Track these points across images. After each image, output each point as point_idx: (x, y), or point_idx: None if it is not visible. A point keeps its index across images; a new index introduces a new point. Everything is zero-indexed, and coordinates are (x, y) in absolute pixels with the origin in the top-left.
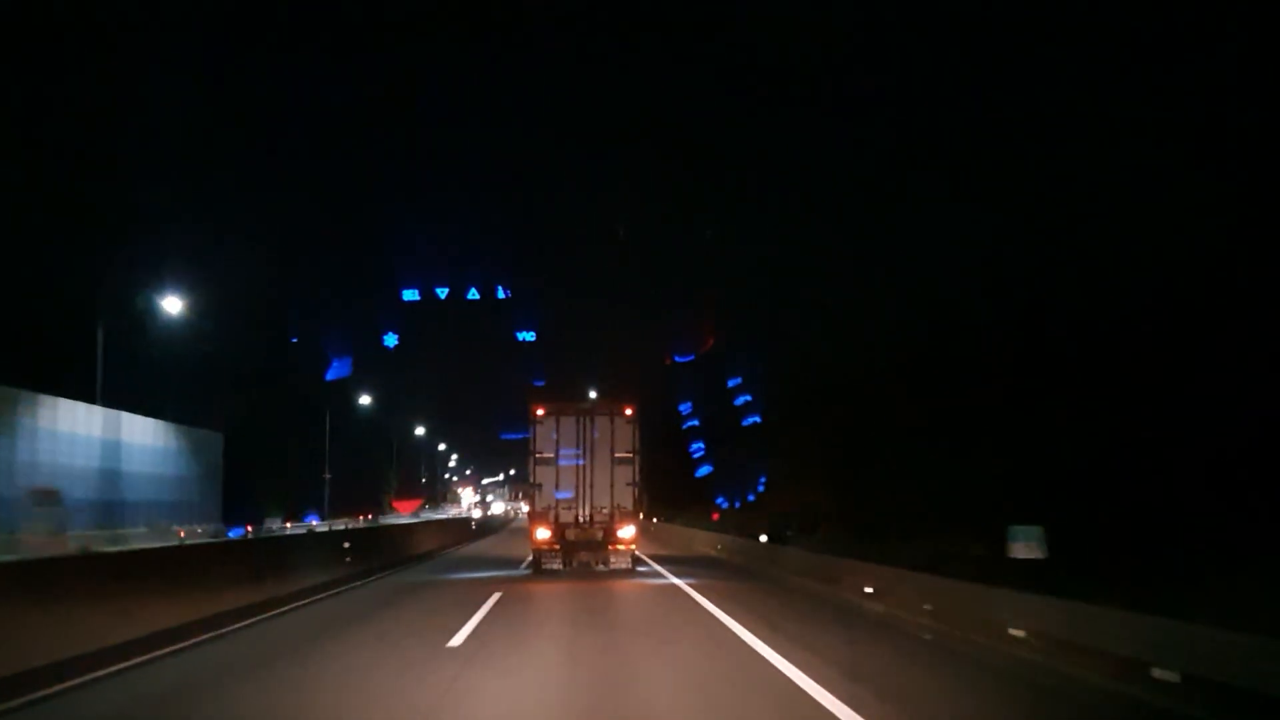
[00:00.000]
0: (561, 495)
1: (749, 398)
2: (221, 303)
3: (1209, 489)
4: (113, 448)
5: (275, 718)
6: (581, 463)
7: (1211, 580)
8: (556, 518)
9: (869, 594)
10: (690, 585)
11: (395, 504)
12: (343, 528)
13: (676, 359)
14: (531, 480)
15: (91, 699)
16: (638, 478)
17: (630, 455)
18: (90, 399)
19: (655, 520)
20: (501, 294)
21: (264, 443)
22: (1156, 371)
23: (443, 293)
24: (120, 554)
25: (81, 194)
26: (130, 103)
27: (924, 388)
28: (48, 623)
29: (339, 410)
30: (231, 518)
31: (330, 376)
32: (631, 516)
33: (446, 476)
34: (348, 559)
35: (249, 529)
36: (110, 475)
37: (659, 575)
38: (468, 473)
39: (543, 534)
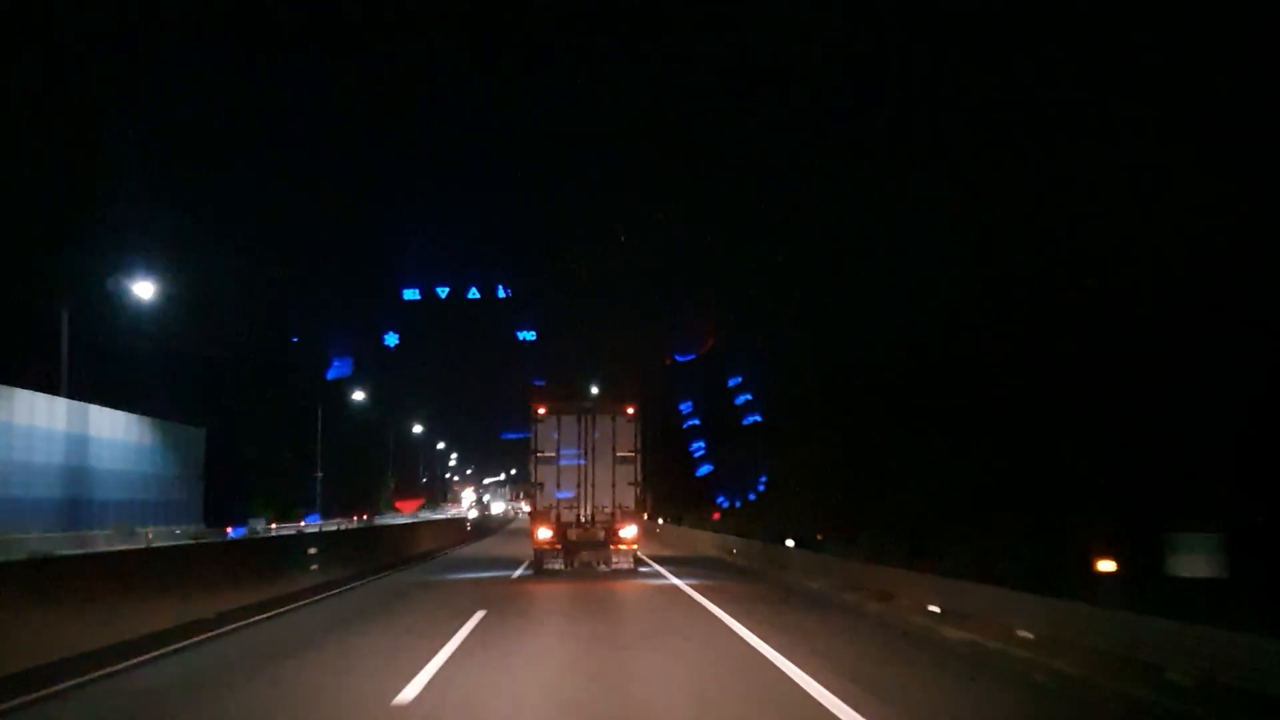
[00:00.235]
0: (563, 495)
1: (749, 397)
2: (214, 300)
3: None
4: (79, 443)
5: None
6: (583, 462)
7: None
8: (558, 517)
9: (936, 614)
10: (728, 612)
11: (397, 503)
12: (335, 528)
13: (677, 358)
14: (533, 480)
15: None
16: (639, 477)
17: (632, 454)
18: (82, 395)
19: (661, 521)
20: (502, 293)
21: (257, 441)
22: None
23: (443, 292)
24: None
25: (75, 186)
26: (130, 102)
27: (928, 383)
28: None
29: (336, 410)
30: (215, 518)
31: (331, 376)
32: (633, 516)
33: (447, 476)
34: (313, 566)
35: (228, 530)
36: (76, 473)
37: (685, 595)
38: (468, 472)
39: (544, 534)
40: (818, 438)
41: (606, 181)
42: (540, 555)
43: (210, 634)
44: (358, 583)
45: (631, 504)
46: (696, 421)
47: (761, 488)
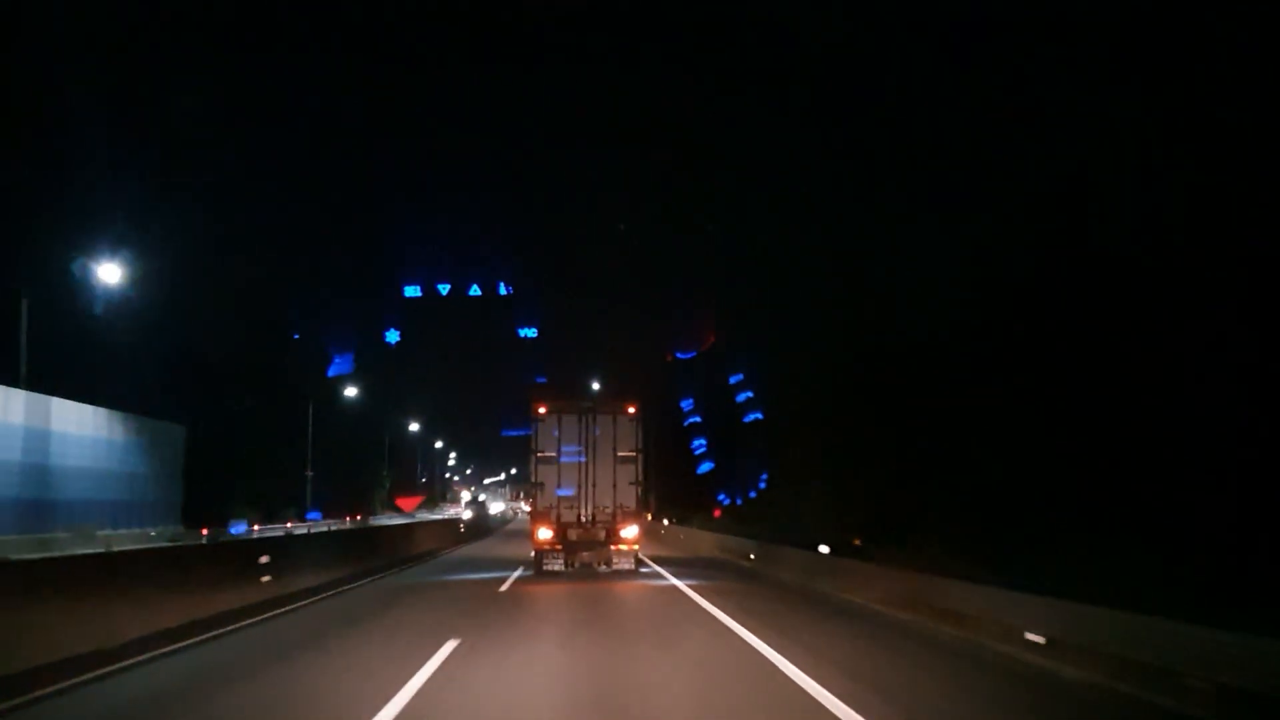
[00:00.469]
0: (563, 493)
1: (750, 394)
2: (204, 295)
3: None
4: (39, 438)
5: None
6: (583, 460)
7: None
8: (558, 517)
9: (1038, 644)
10: (761, 638)
11: (397, 500)
12: (305, 531)
13: (678, 356)
14: (533, 479)
15: None
16: (641, 477)
17: (633, 454)
18: (50, 388)
19: (667, 522)
20: (503, 291)
21: (243, 438)
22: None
23: (445, 289)
24: None
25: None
26: (129, 100)
27: (926, 384)
28: None
29: (330, 407)
30: (196, 518)
31: (332, 373)
32: (635, 516)
33: (447, 475)
34: (264, 577)
35: (204, 532)
36: (36, 471)
37: (715, 619)
38: (468, 471)
39: (544, 534)
40: (819, 437)
41: (607, 181)
42: (540, 556)
43: (94, 674)
44: (327, 594)
45: (633, 504)
46: (697, 419)
47: (763, 484)
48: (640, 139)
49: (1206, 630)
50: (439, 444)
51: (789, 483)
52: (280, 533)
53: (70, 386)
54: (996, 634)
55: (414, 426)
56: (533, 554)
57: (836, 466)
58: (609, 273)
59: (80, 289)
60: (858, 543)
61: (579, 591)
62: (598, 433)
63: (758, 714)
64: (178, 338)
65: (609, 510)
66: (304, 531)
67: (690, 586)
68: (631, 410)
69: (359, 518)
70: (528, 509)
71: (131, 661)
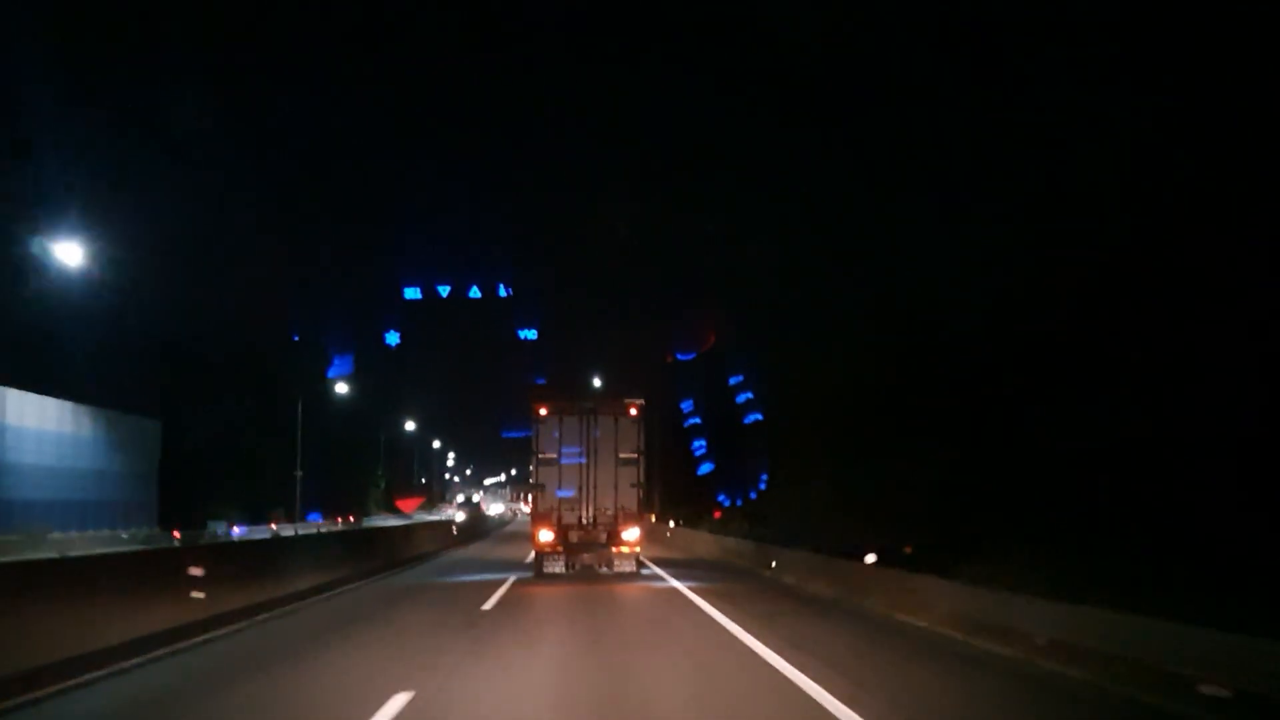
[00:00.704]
0: (564, 495)
1: (750, 395)
2: (192, 289)
3: None
4: None
5: None
6: (584, 462)
7: None
8: (559, 519)
9: (1221, 698)
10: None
11: (397, 502)
12: (315, 532)
13: (678, 357)
14: (533, 480)
15: None
16: (642, 478)
17: (635, 456)
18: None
19: (673, 524)
20: (503, 292)
21: (228, 436)
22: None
23: (444, 291)
24: None
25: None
26: (130, 99)
27: (928, 385)
28: None
29: (323, 406)
30: (174, 519)
31: (332, 374)
32: (636, 518)
33: (446, 476)
34: (197, 593)
35: (175, 535)
36: None
37: (762, 660)
38: (468, 472)
39: (545, 535)
40: (820, 437)
41: (608, 180)
42: (540, 557)
43: None
44: (271, 614)
45: (634, 506)
46: (697, 420)
47: (763, 485)
48: (640, 139)
49: None
50: (436, 444)
51: (791, 483)
52: (266, 535)
53: (40, 381)
54: (1152, 682)
55: (410, 426)
56: (532, 555)
57: (839, 468)
58: (609, 273)
59: (40, 274)
60: (909, 550)
61: (583, 576)
62: (598, 434)
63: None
64: (166, 333)
65: (610, 512)
66: (291, 534)
67: (724, 613)
68: (633, 411)
69: (352, 519)
70: (528, 510)
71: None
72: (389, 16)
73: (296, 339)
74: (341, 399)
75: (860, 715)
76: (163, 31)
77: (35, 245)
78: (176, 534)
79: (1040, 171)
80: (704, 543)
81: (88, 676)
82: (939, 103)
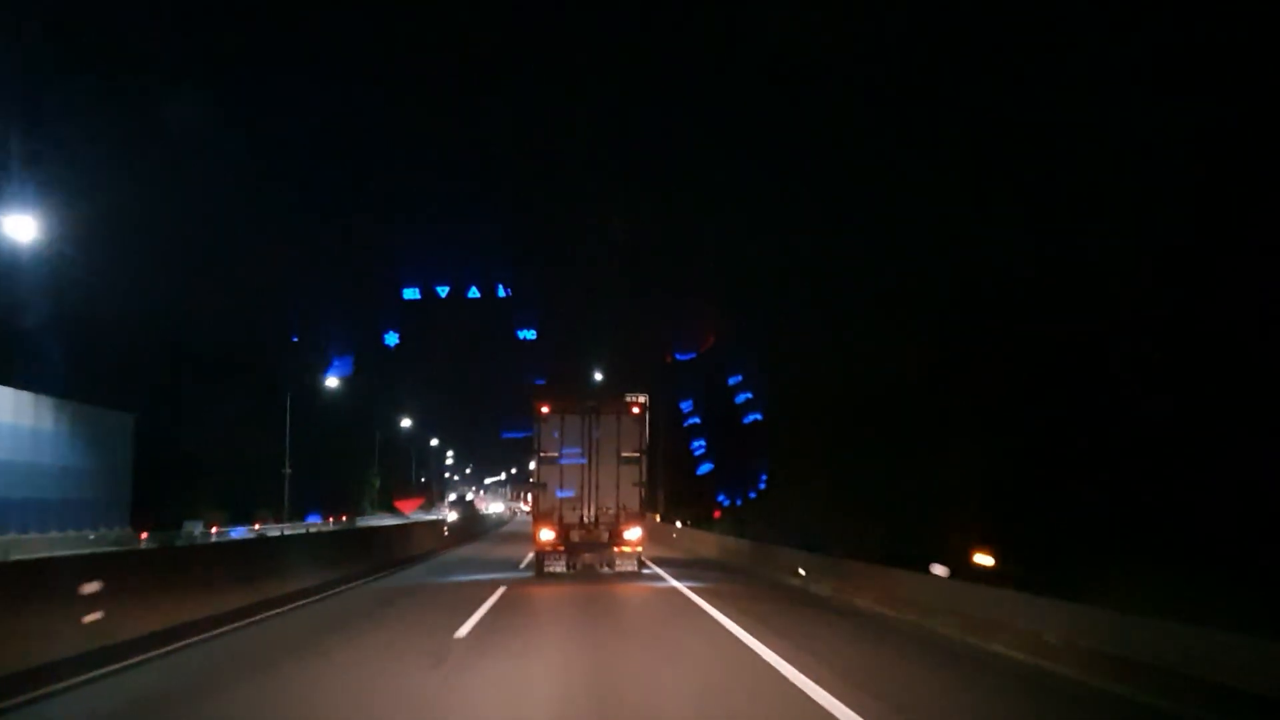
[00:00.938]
0: (565, 495)
1: (749, 395)
2: (180, 283)
3: None
4: None
5: None
6: (585, 461)
7: None
8: (561, 518)
9: None
10: None
11: (397, 503)
12: (304, 532)
13: (678, 357)
14: (535, 479)
15: None
16: (644, 478)
17: (636, 455)
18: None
19: (678, 524)
20: (502, 292)
21: (211, 433)
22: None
23: (443, 291)
24: None
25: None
26: (130, 101)
27: (930, 384)
28: None
29: (319, 405)
30: (148, 520)
31: (331, 374)
32: (638, 518)
33: (446, 476)
34: (88, 616)
35: (143, 536)
36: None
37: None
38: (468, 471)
39: (546, 535)
40: (820, 436)
41: (606, 181)
42: (541, 556)
43: None
44: (188, 640)
45: (636, 505)
46: (697, 420)
47: (762, 484)
48: (640, 139)
49: None
50: (434, 442)
51: (791, 483)
52: (250, 534)
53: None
54: None
55: (405, 423)
56: (531, 555)
57: (840, 468)
58: (608, 273)
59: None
60: (991, 558)
61: (584, 576)
62: (600, 433)
63: None
64: (160, 330)
65: (612, 511)
66: (276, 534)
67: (764, 642)
68: (635, 409)
69: (345, 519)
70: (527, 509)
71: None
72: (388, 15)
73: (296, 339)
74: (341, 400)
75: None
76: (163, 24)
77: None
78: (144, 535)
79: (1039, 173)
80: (707, 543)
81: None
82: (941, 102)
